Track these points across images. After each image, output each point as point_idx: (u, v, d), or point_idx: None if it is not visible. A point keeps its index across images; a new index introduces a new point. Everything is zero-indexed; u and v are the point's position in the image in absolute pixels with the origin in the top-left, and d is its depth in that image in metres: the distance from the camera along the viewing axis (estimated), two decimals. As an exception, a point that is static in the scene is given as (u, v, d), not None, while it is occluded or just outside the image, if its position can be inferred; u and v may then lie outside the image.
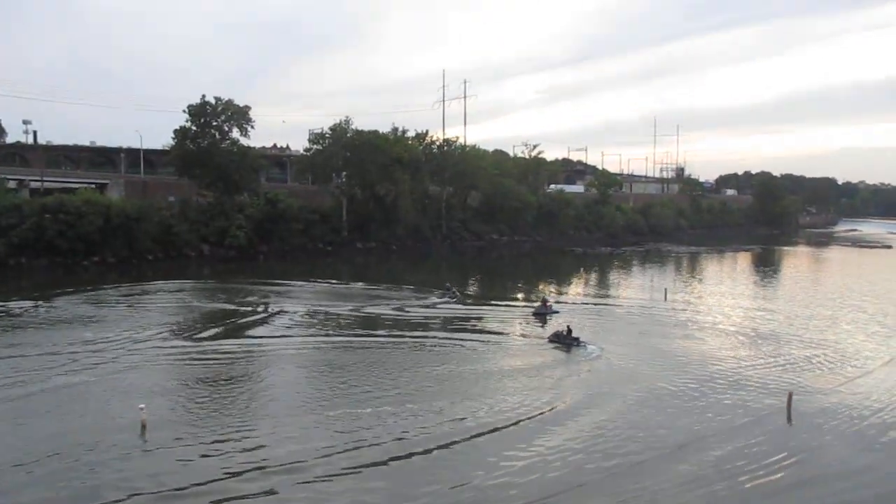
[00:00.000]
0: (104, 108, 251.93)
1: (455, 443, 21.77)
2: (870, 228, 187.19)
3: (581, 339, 36.30)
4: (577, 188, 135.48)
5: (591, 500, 18.33)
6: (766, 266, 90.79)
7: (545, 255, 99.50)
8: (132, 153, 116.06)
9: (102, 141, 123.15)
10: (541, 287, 62.70)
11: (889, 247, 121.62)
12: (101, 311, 44.71)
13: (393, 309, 47.01)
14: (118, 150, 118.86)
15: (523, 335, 39.69)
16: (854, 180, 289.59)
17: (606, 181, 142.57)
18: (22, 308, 44.84)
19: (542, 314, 44.55)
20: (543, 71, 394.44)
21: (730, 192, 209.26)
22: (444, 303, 50.11)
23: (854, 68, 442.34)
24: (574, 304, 52.24)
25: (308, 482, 18.78)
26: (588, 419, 24.37)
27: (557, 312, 44.57)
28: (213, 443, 21.40)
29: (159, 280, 59.51)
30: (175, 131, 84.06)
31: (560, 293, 59.42)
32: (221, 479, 18.89)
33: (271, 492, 18.19)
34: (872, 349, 36.92)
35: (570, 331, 36.82)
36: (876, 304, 52.62)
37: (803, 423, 24.47)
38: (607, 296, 58.32)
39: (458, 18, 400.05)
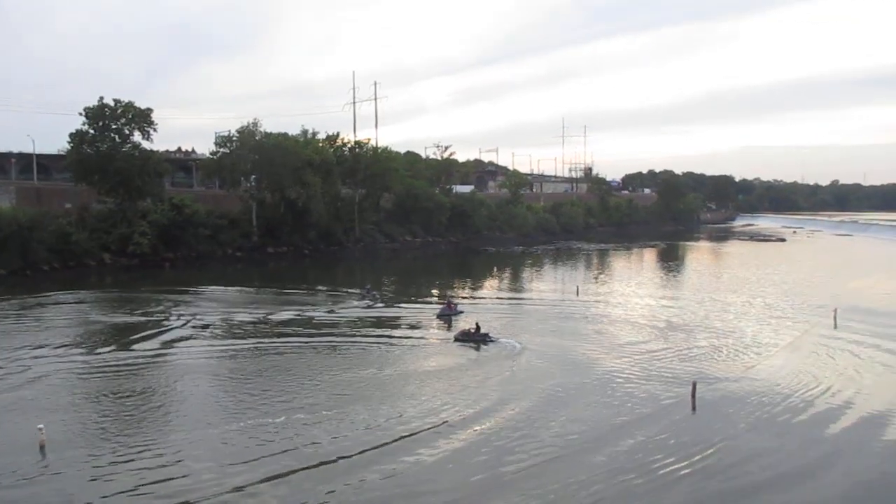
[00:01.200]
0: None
1: (372, 448, 21.46)
2: (765, 223, 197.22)
3: (490, 335, 36.53)
4: (466, 188, 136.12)
5: (509, 498, 18.40)
6: (671, 261, 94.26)
7: (459, 256, 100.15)
8: (24, 158, 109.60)
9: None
10: (455, 286, 63.01)
11: (783, 240, 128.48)
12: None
13: (306, 313, 46.15)
14: (8, 156, 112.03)
15: (443, 337, 39.58)
16: (750, 177, 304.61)
17: (517, 181, 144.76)
18: None
19: (447, 315, 43.36)
20: (454, 73, 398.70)
21: (647, 191, 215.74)
22: (364, 305, 49.58)
23: (745, 71, 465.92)
24: (489, 302, 52.84)
25: (217, 496, 18.13)
26: (504, 417, 24.52)
27: (462, 313, 43.88)
28: (117, 461, 20.35)
29: (57, 291, 56.48)
30: (71, 135, 79.88)
31: (475, 292, 59.88)
32: (130, 497, 18.01)
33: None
34: (770, 336, 38.87)
35: (478, 328, 36.98)
36: (773, 294, 55.56)
37: (707, 411, 25.42)
38: (521, 293, 59.21)
39: (366, 20, 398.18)
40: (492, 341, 36.09)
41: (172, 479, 19.05)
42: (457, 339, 36.75)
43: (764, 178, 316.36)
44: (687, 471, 19.98)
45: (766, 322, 43.52)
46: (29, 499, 18.06)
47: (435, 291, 58.84)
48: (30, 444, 21.11)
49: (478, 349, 35.39)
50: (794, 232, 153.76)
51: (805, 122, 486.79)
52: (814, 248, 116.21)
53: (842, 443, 22.85)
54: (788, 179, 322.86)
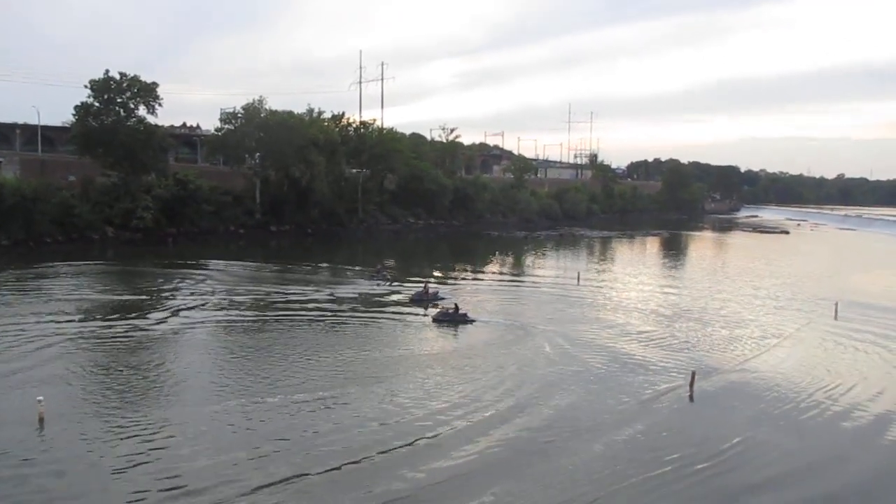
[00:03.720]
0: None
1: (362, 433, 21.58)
2: (769, 215, 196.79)
3: (469, 316, 36.75)
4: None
5: (505, 484, 18.45)
6: (674, 250, 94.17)
7: (461, 239, 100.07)
8: (29, 129, 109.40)
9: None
10: (456, 269, 62.99)
11: (787, 232, 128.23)
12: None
13: (309, 291, 46.10)
14: (13, 126, 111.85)
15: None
16: (755, 168, 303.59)
17: (522, 166, 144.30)
18: None
19: (421, 301, 42.01)
20: (462, 55, 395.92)
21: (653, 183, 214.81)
22: (375, 285, 49.50)
23: (755, 62, 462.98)
24: (488, 285, 52.85)
25: (213, 474, 18.21)
26: (499, 403, 24.49)
27: (444, 299, 42.36)
28: (114, 436, 20.42)
29: (59, 263, 56.55)
30: (76, 108, 79.57)
31: (475, 275, 59.92)
32: (125, 472, 18.11)
33: (180, 484, 17.57)
34: (771, 328, 38.84)
35: (457, 308, 37.22)
36: (774, 286, 55.52)
37: (706, 401, 25.48)
38: (522, 278, 59.19)
39: (372, 1, 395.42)
40: (470, 322, 36.36)
41: (168, 455, 19.09)
42: (435, 320, 36.83)
43: (770, 170, 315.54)
44: (684, 462, 19.96)
45: (766, 313, 43.53)
46: (26, 471, 18.10)
47: (437, 273, 58.73)
48: (29, 417, 21.18)
49: (456, 329, 35.58)
50: (798, 225, 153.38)
51: (813, 114, 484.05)
52: (817, 241, 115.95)
53: (842, 436, 22.84)
54: (794, 172, 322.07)
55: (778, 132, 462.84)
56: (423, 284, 45.65)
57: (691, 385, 26.32)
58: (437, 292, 43.96)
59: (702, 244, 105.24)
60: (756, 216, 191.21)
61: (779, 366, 30.61)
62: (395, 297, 44.86)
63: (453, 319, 36.44)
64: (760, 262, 76.46)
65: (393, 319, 38.49)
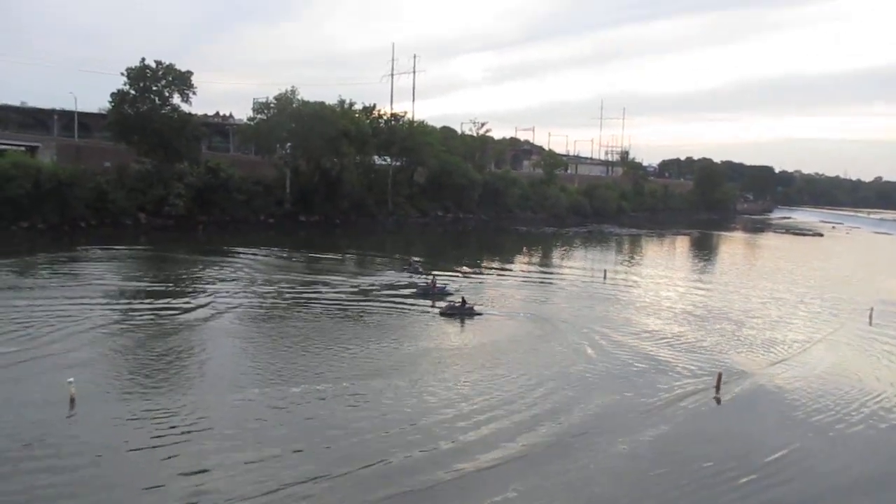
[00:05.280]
0: (36, 67, 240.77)
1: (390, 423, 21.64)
2: (803, 216, 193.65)
3: (475, 309, 37.62)
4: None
5: (528, 479, 18.36)
6: (704, 250, 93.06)
7: (489, 234, 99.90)
8: (66, 116, 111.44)
9: (34, 102, 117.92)
10: (483, 263, 62.83)
11: (821, 235, 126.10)
12: (30, 279, 42.97)
13: (338, 281, 46.38)
14: (51, 112, 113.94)
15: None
16: (790, 169, 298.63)
17: (552, 162, 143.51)
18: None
19: (428, 294, 42.22)
20: (493, 49, 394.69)
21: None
22: (408, 276, 49.62)
23: (795, 61, 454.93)
24: (516, 280, 52.66)
25: (236, 462, 18.40)
26: (522, 399, 24.42)
27: (450, 294, 42.55)
28: (141, 418, 20.79)
29: (93, 247, 57.54)
30: (112, 95, 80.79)
31: (503, 270, 59.77)
32: (148, 456, 18.38)
33: (203, 469, 17.79)
34: (802, 331, 38.27)
35: (464, 301, 37.99)
36: (806, 289, 54.58)
37: (732, 404, 25.17)
38: (548, 274, 58.86)
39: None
40: (477, 315, 37.06)
41: (191, 443, 19.33)
42: (443, 314, 37.35)
43: (805, 171, 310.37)
44: (708, 464, 19.72)
45: (797, 316, 42.84)
46: (55, 450, 18.47)
47: (465, 267, 58.67)
48: (60, 397, 21.60)
49: (462, 323, 35.83)
50: (833, 227, 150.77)
51: (851, 115, 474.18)
52: (851, 244, 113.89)
53: (876, 444, 22.20)
54: (830, 174, 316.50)
55: (814, 133, 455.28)
56: (430, 278, 45.89)
57: (717, 387, 26.00)
58: (445, 286, 44.20)
59: (733, 245, 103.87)
60: (789, 218, 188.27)
61: (810, 371, 30.05)
62: (408, 290, 44.78)
63: (461, 312, 37.07)
64: (792, 264, 75.29)
65: (403, 311, 38.55)
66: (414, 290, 44.08)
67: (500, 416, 22.42)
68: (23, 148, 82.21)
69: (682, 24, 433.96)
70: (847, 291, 53.85)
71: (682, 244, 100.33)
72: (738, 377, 28.16)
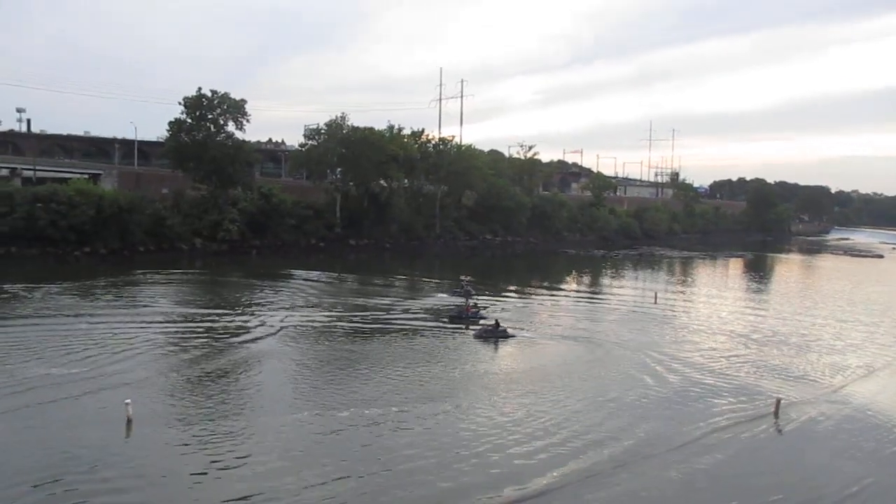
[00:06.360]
0: (99, 98, 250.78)
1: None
2: (862, 237, 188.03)
3: (508, 331, 37.72)
4: None
5: (578, 499, 18.17)
6: (758, 272, 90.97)
7: (538, 257, 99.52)
8: (126, 144, 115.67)
9: (96, 131, 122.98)
10: (532, 285, 62.54)
11: (881, 256, 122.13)
12: (91, 302, 44.42)
13: (389, 304, 46.77)
14: (112, 141, 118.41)
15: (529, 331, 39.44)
16: (847, 189, 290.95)
17: (601, 184, 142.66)
18: (13, 294, 44.57)
19: (462, 318, 42.10)
20: (541, 72, 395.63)
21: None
22: (459, 299, 49.57)
23: (849, 78, 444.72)
24: (566, 303, 52.28)
25: (287, 488, 18.61)
26: (573, 422, 24.18)
27: (484, 317, 42.22)
28: (195, 443, 21.21)
29: (151, 271, 59.23)
30: (170, 123, 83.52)
31: (552, 292, 59.40)
32: (202, 481, 18.74)
33: (258, 493, 18.06)
34: (862, 358, 36.89)
35: (497, 324, 38.01)
36: (866, 314, 52.69)
37: (791, 432, 24.44)
38: (599, 297, 58.29)
39: (456, 17, 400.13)
40: (511, 337, 37.20)
41: (244, 469, 19.51)
42: (477, 336, 37.31)
43: (863, 191, 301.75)
44: (776, 497, 19.02)
45: (857, 341, 41.37)
46: (111, 472, 18.94)
47: (511, 289, 58.48)
48: (117, 417, 22.24)
49: (496, 346, 35.76)
50: (894, 249, 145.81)
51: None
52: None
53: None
54: (890, 193, 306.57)
55: (872, 151, 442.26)
56: (464, 301, 45.66)
57: (776, 413, 25.32)
58: (479, 311, 44.06)
59: (787, 267, 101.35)
60: (847, 239, 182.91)
61: (873, 398, 28.90)
62: (447, 314, 44.58)
63: (494, 335, 37.07)
64: (851, 286, 73.04)
65: (447, 334, 38.54)
66: (451, 312, 44.06)
67: (549, 442, 22.18)
68: (86, 176, 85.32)
69: (730, 43, 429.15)
70: (911, 315, 51.96)
71: (735, 266, 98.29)
72: (797, 404, 27.34)
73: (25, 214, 67.24)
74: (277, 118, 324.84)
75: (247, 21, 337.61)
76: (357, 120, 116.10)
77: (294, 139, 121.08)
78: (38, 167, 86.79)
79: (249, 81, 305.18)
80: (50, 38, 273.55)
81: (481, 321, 41.18)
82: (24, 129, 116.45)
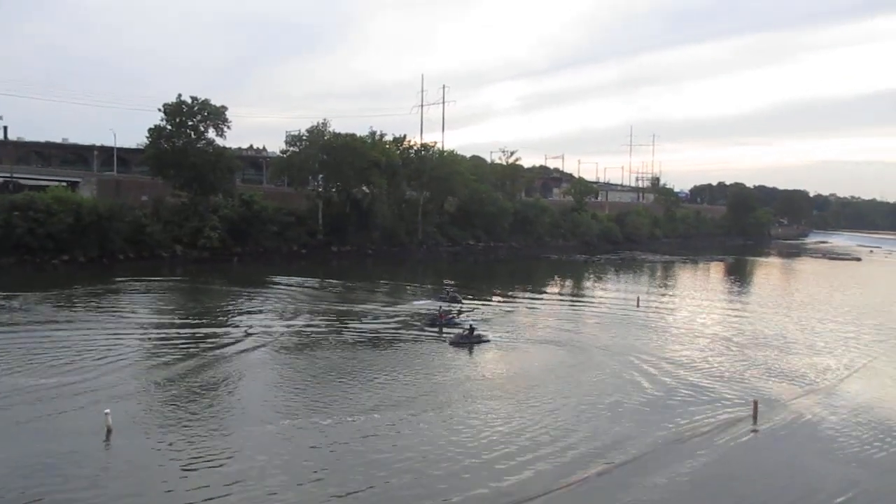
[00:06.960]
0: (77, 105, 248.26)
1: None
2: (840, 241, 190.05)
3: (483, 337, 38.08)
4: None
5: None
6: (738, 276, 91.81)
7: (520, 262, 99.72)
8: (105, 151, 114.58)
9: (75, 138, 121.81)
10: (514, 290, 62.64)
11: (858, 259, 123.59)
12: (70, 311, 43.93)
13: (369, 311, 46.67)
14: (91, 148, 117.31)
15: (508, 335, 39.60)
16: (825, 193, 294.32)
17: (583, 189, 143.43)
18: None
19: (435, 324, 41.90)
20: (522, 78, 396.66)
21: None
22: (445, 304, 49.62)
23: (828, 84, 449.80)
24: (548, 308, 52.47)
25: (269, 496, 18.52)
26: (555, 429, 24.17)
27: (458, 323, 41.86)
28: (176, 451, 20.97)
29: (130, 279, 58.69)
30: (150, 130, 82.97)
31: (534, 297, 59.57)
32: (182, 487, 18.60)
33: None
34: (841, 360, 37.19)
35: (472, 330, 38.15)
36: (844, 316, 53.28)
37: (770, 433, 24.60)
38: (581, 301, 58.56)
39: (437, 24, 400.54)
40: (486, 342, 37.57)
41: (224, 477, 19.32)
42: (453, 343, 37.33)
43: (840, 195, 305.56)
44: (755, 499, 19.17)
45: (835, 345, 41.69)
46: (91, 482, 18.73)
47: (496, 296, 58.60)
48: (97, 427, 21.98)
49: (471, 351, 35.89)
50: (871, 251, 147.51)
51: (886, 137, 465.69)
52: (891, 269, 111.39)
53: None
54: (867, 196, 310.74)
55: (850, 155, 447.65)
56: (438, 307, 45.64)
57: (754, 416, 25.51)
58: (453, 317, 43.84)
59: (767, 270, 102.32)
60: (826, 242, 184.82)
61: (852, 401, 29.07)
62: (420, 319, 44.39)
63: (469, 341, 37.24)
64: (829, 289, 73.88)
65: (428, 341, 38.39)
66: (424, 319, 43.96)
67: (530, 448, 22.11)
68: (64, 183, 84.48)
69: (711, 48, 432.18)
70: (886, 317, 52.58)
71: (715, 270, 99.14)
72: (775, 406, 27.55)
73: (2, 223, 66.47)
74: (259, 125, 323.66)
75: (234, 28, 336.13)
76: (345, 126, 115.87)
77: (276, 146, 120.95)
78: (14, 175, 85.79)
79: (236, 88, 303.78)
80: (27, 42, 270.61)
81: (456, 327, 40.99)
82: (0, 136, 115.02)
